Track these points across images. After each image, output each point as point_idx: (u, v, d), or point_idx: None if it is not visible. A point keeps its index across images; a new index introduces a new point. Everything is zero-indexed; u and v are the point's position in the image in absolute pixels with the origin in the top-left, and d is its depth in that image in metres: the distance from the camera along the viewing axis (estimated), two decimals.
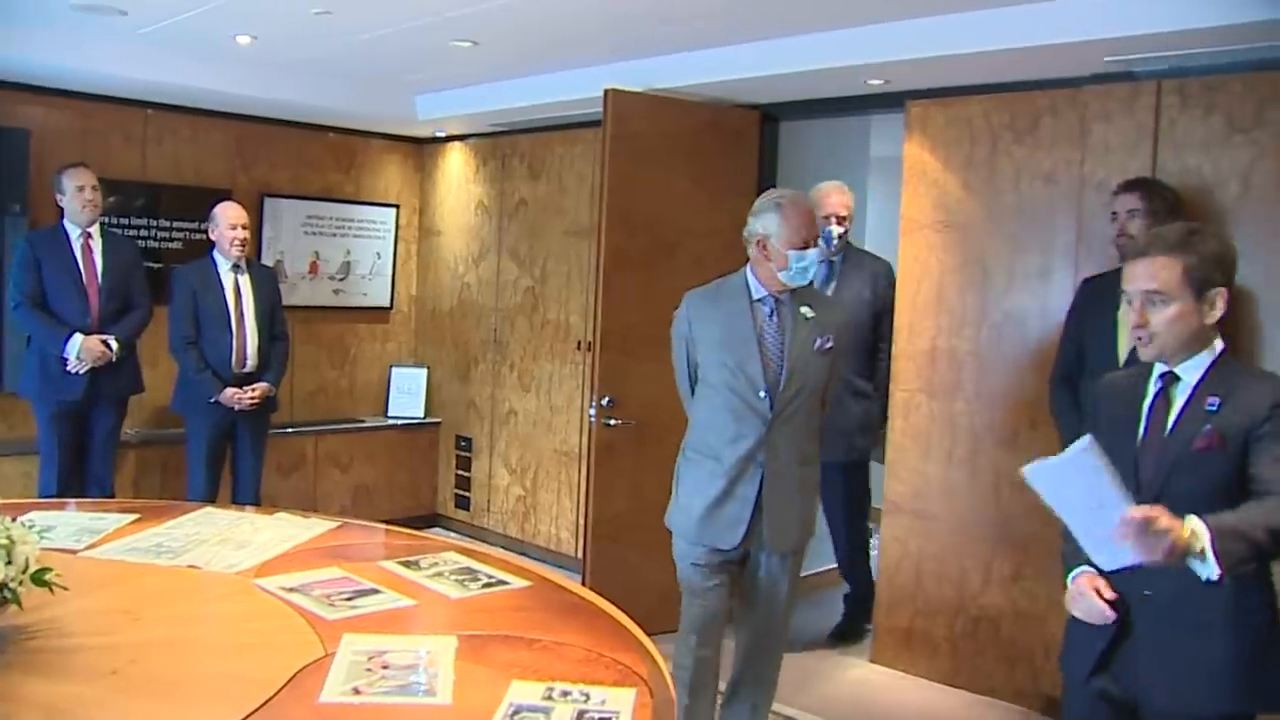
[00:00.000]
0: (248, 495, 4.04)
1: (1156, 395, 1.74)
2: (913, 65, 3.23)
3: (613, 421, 3.88)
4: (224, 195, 4.41)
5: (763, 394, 2.43)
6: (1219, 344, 1.75)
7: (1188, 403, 1.71)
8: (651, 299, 4.15)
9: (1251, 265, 2.78)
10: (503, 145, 5.01)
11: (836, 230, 3.68)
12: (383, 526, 2.58)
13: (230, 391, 3.91)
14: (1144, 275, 1.68)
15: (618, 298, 3.93)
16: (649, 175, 3.98)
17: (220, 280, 3.97)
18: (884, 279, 3.76)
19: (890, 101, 3.65)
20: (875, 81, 3.49)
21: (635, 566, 3.87)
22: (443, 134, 5.23)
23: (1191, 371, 1.72)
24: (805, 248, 2.40)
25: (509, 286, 4.97)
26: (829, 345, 2.47)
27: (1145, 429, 1.72)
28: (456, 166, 5.27)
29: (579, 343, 4.66)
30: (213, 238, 4.00)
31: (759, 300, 2.47)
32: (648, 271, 4.12)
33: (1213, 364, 1.72)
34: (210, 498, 3.92)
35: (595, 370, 3.87)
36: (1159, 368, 1.74)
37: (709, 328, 2.50)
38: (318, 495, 4.94)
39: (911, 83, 3.48)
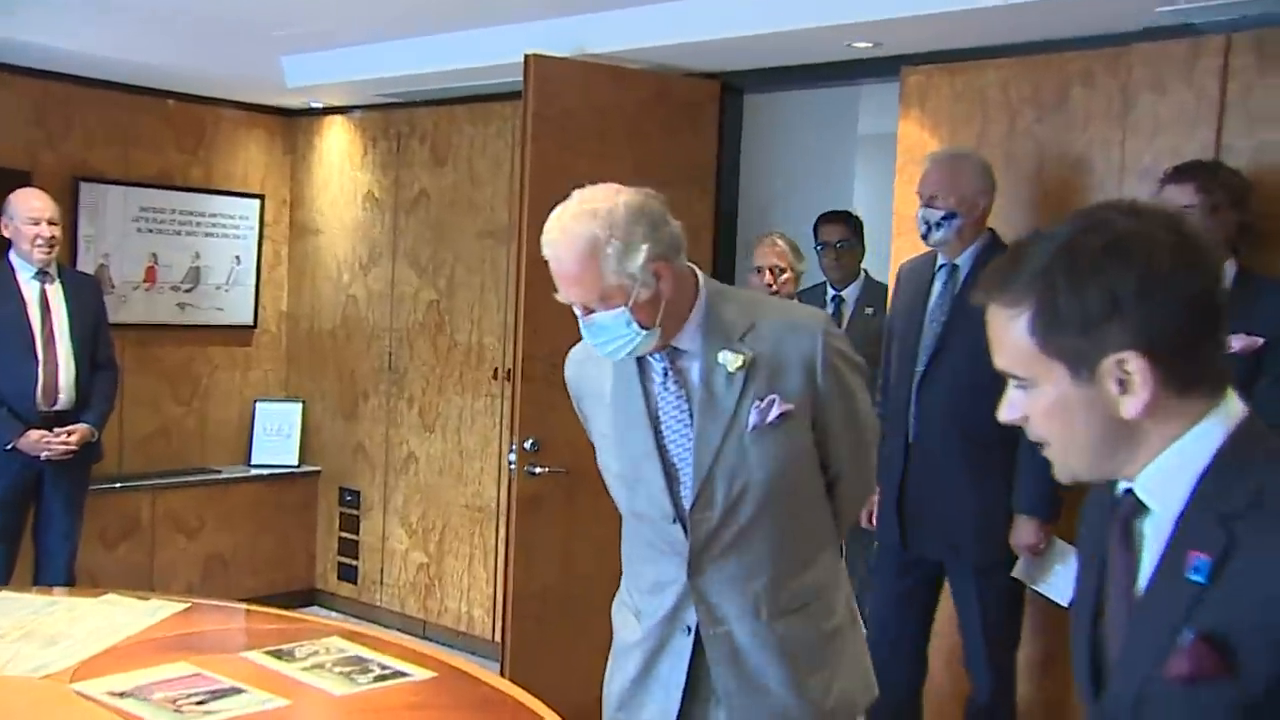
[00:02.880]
0: (58, 573, 3.93)
1: (1120, 533, 1.21)
2: (910, 23, 3.26)
3: (538, 470, 3.91)
4: (21, 179, 4.32)
5: (672, 519, 1.93)
6: (1215, 425, 1.15)
7: (1162, 561, 1.16)
8: None
9: None
10: (397, 121, 5.02)
11: (932, 214, 3.18)
12: (245, 607, 2.57)
13: (35, 435, 3.80)
14: (994, 344, 1.19)
15: (544, 315, 3.92)
16: (581, 162, 4.00)
17: (20, 291, 3.87)
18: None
19: (882, 69, 3.69)
20: (863, 44, 3.53)
21: (566, 652, 3.88)
22: (319, 105, 5.22)
23: (1162, 490, 1.16)
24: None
25: (407, 300, 4.98)
26: (781, 410, 1.89)
27: (1109, 589, 1.23)
28: (338, 147, 5.27)
29: (496, 371, 4.69)
30: (7, 235, 3.89)
31: (649, 358, 1.94)
32: None
33: (1208, 469, 1.13)
34: (3, 578, 3.81)
35: (516, 406, 3.90)
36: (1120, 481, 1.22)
37: (597, 409, 2.02)
38: (157, 570, 4.89)
39: (908, 45, 3.53)
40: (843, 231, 4.15)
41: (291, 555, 5.29)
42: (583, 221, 1.81)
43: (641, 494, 1.96)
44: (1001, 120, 3.45)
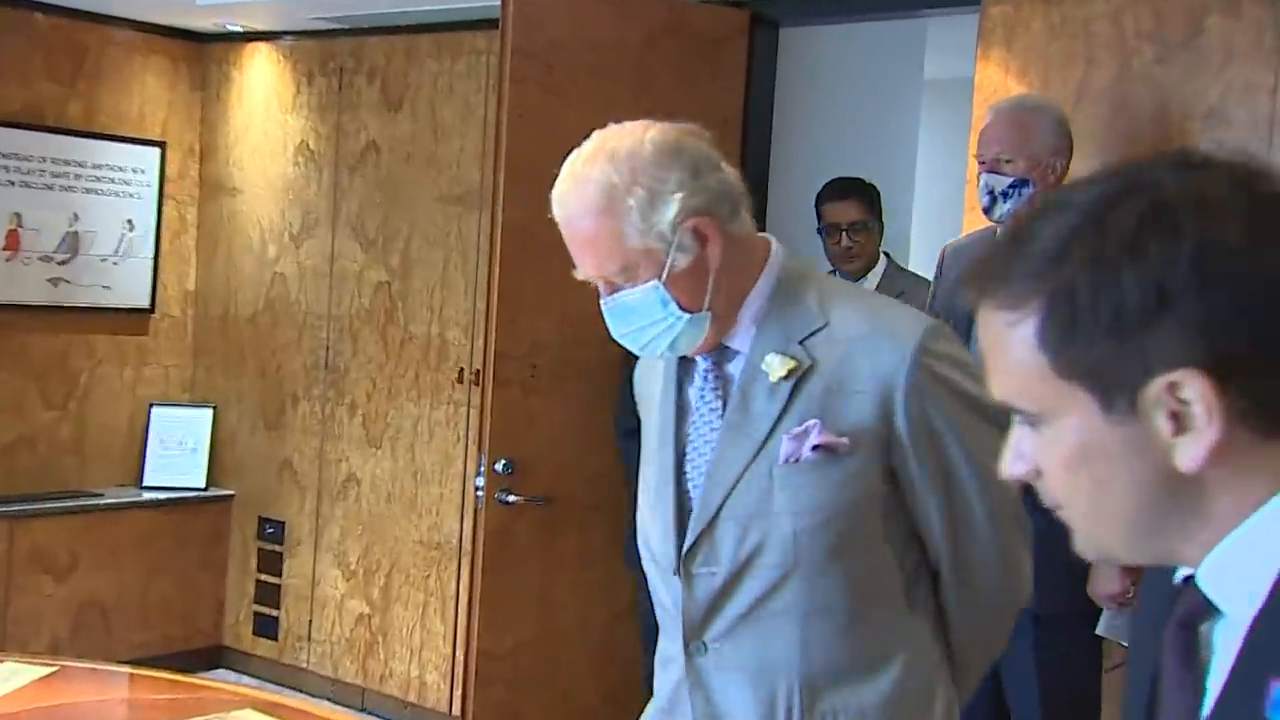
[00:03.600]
0: None
1: (1177, 641, 1.11)
2: None
3: (512, 498, 3.94)
4: None
5: (673, 569, 1.91)
6: None
7: (1229, 684, 1.04)
8: (574, 305, 4.16)
9: None
10: (339, 52, 5.06)
11: (997, 181, 3.24)
12: (129, 671, 2.57)
13: None
14: (989, 363, 1.08)
15: (521, 303, 3.99)
16: (572, 111, 4.02)
17: None
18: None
19: None
20: None
21: None
22: (237, 28, 5.25)
23: (1236, 583, 1.04)
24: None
25: (350, 281, 5.03)
26: (821, 441, 1.79)
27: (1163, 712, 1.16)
28: (262, 84, 5.31)
29: (461, 373, 4.72)
30: None
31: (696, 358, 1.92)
32: (566, 262, 4.13)
33: None
34: None
35: (486, 417, 3.93)
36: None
37: (648, 419, 2.03)
38: (13, 621, 4.88)
39: None
40: (857, 211, 4.03)
41: (193, 603, 5.31)
42: (597, 165, 1.77)
43: (656, 533, 1.93)
44: (1111, 62, 3.48)
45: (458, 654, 4.63)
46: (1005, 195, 3.17)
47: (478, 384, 4.49)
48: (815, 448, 1.78)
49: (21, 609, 4.89)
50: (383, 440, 4.92)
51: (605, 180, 1.75)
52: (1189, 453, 0.95)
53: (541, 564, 4.09)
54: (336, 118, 5.07)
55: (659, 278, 1.77)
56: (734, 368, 1.86)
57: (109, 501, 5.14)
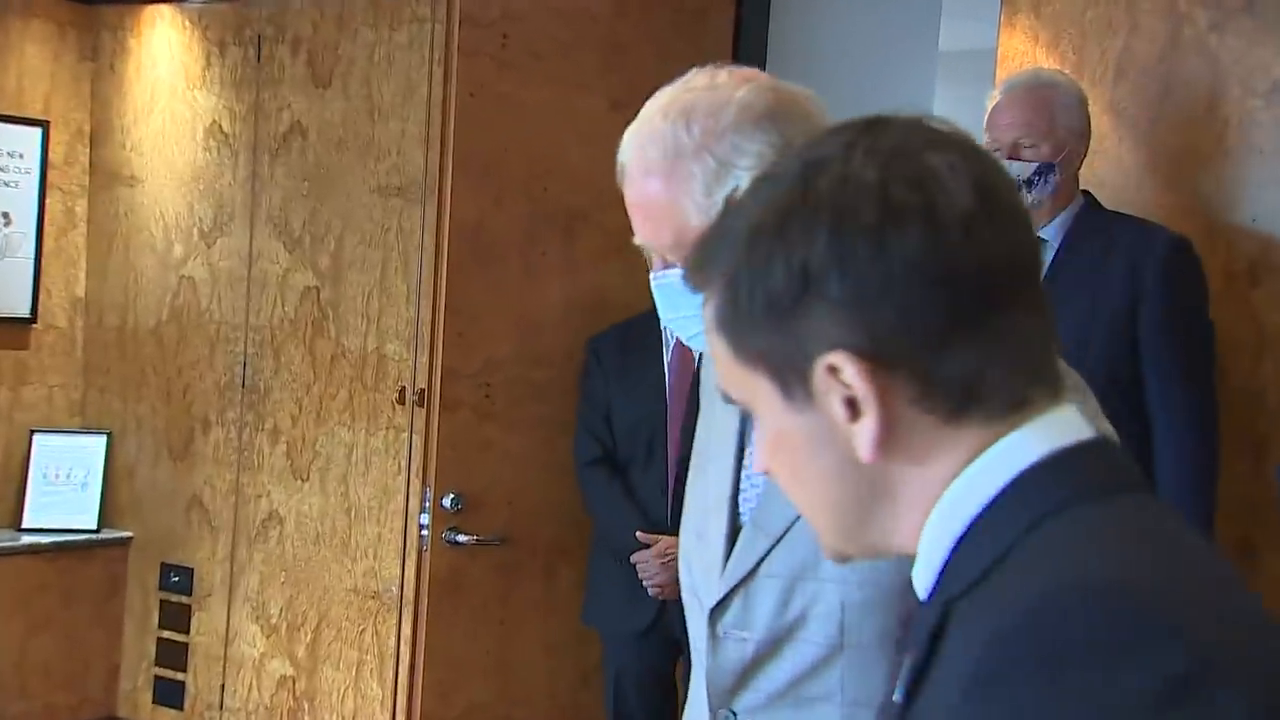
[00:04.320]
0: None
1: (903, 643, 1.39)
2: None
3: (462, 538, 4.18)
4: None
5: (703, 605, 1.95)
6: (999, 461, 1.15)
7: (895, 670, 1.30)
8: (534, 315, 4.38)
9: None
10: (257, 19, 5.18)
11: (1019, 169, 3.47)
12: None
13: None
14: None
15: (474, 313, 4.26)
16: (532, 88, 4.28)
17: None
18: (1152, 269, 3.54)
19: None
20: None
21: None
22: None
23: (922, 569, 1.21)
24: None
25: (272, 286, 5.13)
26: None
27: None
28: (166, 55, 5.46)
29: (403, 393, 4.79)
30: None
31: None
32: (526, 265, 4.36)
33: (966, 532, 1.16)
34: None
35: (432, 444, 4.16)
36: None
37: (708, 405, 2.09)
38: None
39: None
40: None
41: (82, 667, 5.41)
42: (670, 116, 1.80)
43: (698, 561, 1.94)
44: (1157, 30, 3.61)
45: None
46: (1030, 184, 3.38)
47: (422, 406, 4.56)
48: None
49: None
50: (310, 472, 4.99)
51: (672, 138, 1.78)
52: (859, 440, 1.12)
53: (498, 615, 4.30)
54: (254, 95, 5.17)
55: None
56: None
57: None
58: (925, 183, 1.11)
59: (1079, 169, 3.49)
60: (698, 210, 1.78)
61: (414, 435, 4.65)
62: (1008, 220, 1.14)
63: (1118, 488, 1.13)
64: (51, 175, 5.55)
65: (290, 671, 5.07)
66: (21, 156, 5.48)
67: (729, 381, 1.22)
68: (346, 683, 4.93)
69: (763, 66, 4.46)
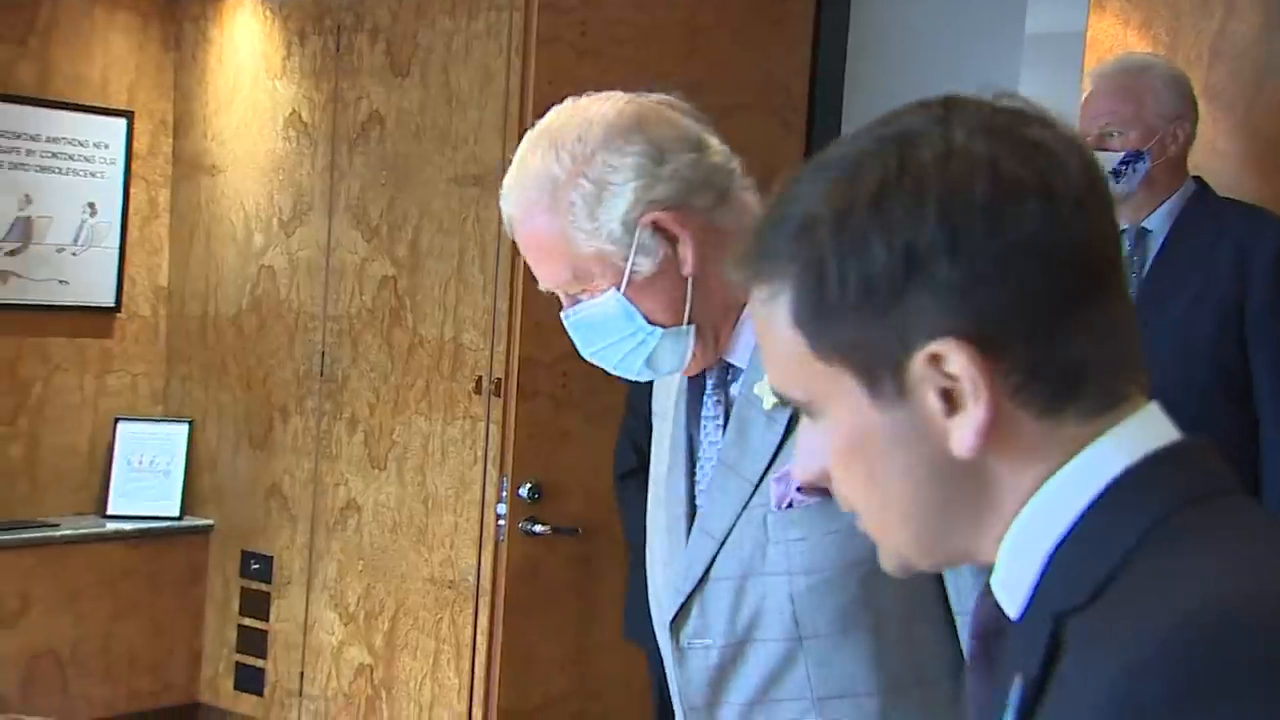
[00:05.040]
0: None
1: (978, 648, 1.22)
2: None
3: (539, 528, 4.15)
4: None
5: (668, 633, 1.94)
6: (1098, 461, 1.06)
7: (996, 694, 1.15)
8: None
9: None
10: (335, 8, 5.17)
11: (1105, 159, 3.31)
12: None
13: None
14: (764, 353, 1.17)
15: (550, 300, 4.04)
16: (611, 77, 4.13)
17: None
18: (1261, 258, 3.39)
19: None
20: None
21: None
22: None
23: (1010, 578, 1.12)
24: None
25: (350, 275, 5.13)
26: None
27: None
28: (247, 45, 5.47)
29: (479, 382, 4.77)
30: None
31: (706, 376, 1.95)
32: None
33: (1065, 538, 1.06)
34: None
35: (509, 433, 4.13)
36: None
37: (660, 433, 2.07)
38: None
39: None
40: None
41: (165, 653, 5.44)
42: (538, 152, 1.79)
43: (660, 584, 1.94)
44: (1254, 10, 3.53)
45: (475, 711, 4.70)
46: (1117, 174, 3.28)
47: (499, 395, 4.54)
48: (801, 489, 1.73)
49: None
50: (387, 461, 4.99)
51: (545, 171, 1.77)
52: (960, 434, 1.03)
53: (574, 605, 4.24)
54: (333, 85, 5.17)
55: (618, 286, 1.78)
56: (736, 389, 1.86)
57: (66, 533, 5.25)
58: (1036, 158, 1.04)
59: (1183, 154, 3.37)
60: (586, 237, 1.76)
61: (491, 425, 4.64)
62: (1107, 201, 1.08)
63: (1218, 490, 1.05)
64: (135, 165, 5.57)
65: (368, 660, 5.07)
66: (107, 147, 5.50)
67: (793, 381, 1.11)
68: (424, 671, 4.93)
69: (844, 50, 4.43)
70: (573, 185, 1.75)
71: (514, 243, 4.24)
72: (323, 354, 5.20)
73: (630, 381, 3.80)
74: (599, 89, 4.35)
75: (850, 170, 1.05)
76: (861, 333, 1.05)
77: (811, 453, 1.13)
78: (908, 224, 1.02)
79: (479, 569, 4.73)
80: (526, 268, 4.26)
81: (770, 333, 1.10)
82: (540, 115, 4.20)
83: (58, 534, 5.28)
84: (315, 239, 5.23)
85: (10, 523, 5.25)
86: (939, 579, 1.78)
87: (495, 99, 4.68)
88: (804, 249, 1.06)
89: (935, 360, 1.02)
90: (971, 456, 1.04)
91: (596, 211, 1.75)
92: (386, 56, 5.02)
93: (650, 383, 3.66)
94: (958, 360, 1.02)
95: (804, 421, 1.14)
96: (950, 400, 1.03)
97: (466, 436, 4.80)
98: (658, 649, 3.86)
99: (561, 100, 4.14)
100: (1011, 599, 1.08)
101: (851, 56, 4.45)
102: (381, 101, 5.04)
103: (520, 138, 4.23)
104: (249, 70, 5.46)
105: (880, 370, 1.05)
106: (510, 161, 4.52)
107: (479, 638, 4.68)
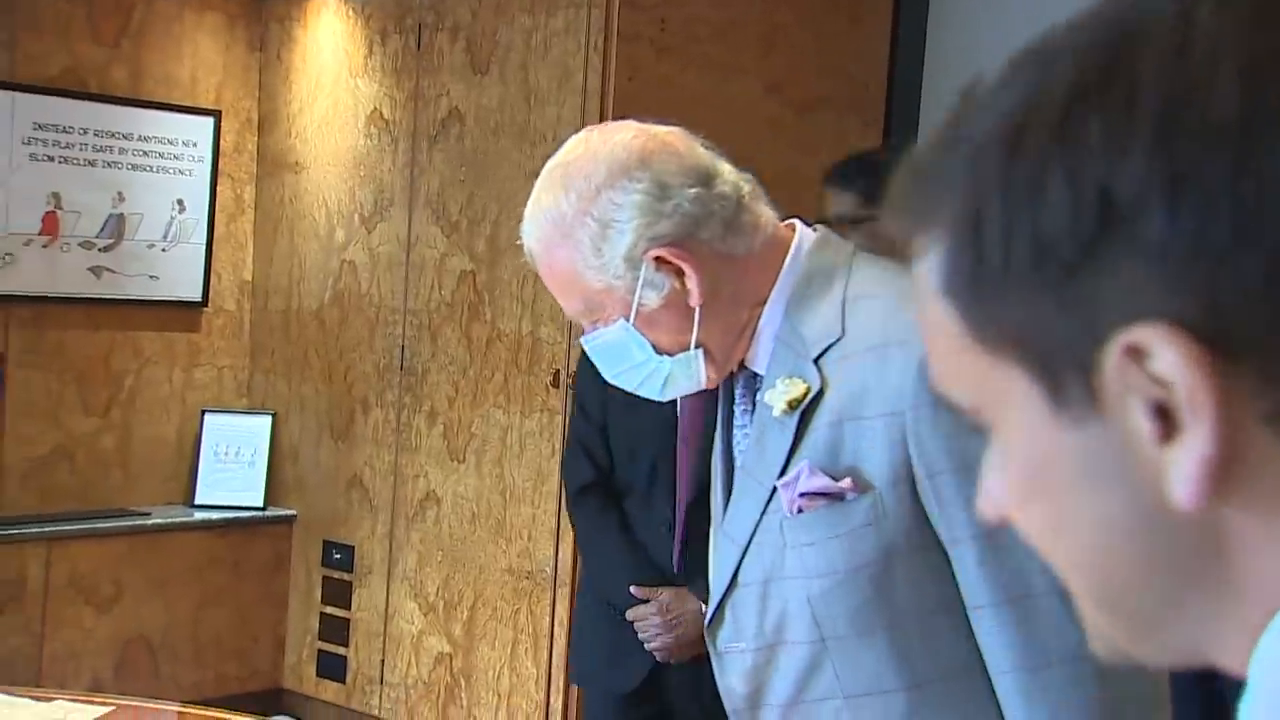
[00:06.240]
0: None
1: None
2: None
3: None
4: None
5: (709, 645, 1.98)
6: None
7: None
8: None
9: None
10: (416, 7, 5.18)
11: None
12: (192, 711, 2.75)
13: None
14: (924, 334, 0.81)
15: None
16: (691, 73, 4.20)
17: None
18: None
19: None
20: None
21: None
22: None
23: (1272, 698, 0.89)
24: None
25: (429, 270, 5.14)
26: (815, 489, 1.74)
27: None
28: (330, 44, 5.49)
29: (557, 375, 4.78)
30: None
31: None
32: None
33: None
34: None
35: None
36: None
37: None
38: (49, 658, 5.03)
39: None
40: (854, 203, 3.44)
41: (250, 640, 5.50)
42: (550, 190, 1.82)
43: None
44: None
45: (553, 700, 4.72)
46: None
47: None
48: (804, 494, 1.74)
49: (59, 645, 5.05)
50: (466, 453, 5.01)
51: (555, 209, 1.79)
52: (1179, 472, 0.65)
53: None
54: (414, 82, 5.18)
55: (626, 318, 1.79)
56: (760, 396, 1.85)
57: (157, 522, 5.32)
58: None
59: None
60: (594, 273, 1.77)
61: (567, 417, 4.59)
62: None
63: None
64: (222, 163, 5.61)
65: (447, 649, 5.09)
66: (195, 145, 5.54)
67: (954, 377, 0.76)
68: (502, 661, 4.95)
69: (921, 49, 4.37)
70: (580, 223, 1.77)
71: None
72: (402, 348, 5.22)
73: (582, 382, 3.59)
74: (678, 86, 4.37)
75: (1043, 69, 0.70)
76: (1034, 314, 0.69)
77: (991, 485, 0.78)
78: (1105, 155, 0.65)
79: (556, 560, 4.77)
80: None
81: (923, 307, 0.76)
82: (619, 112, 4.30)
83: (149, 523, 5.34)
84: (396, 234, 5.25)
85: (103, 511, 5.31)
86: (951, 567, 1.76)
87: (573, 95, 4.69)
88: (962, 197, 0.70)
89: (1135, 355, 0.65)
90: (1194, 507, 0.66)
91: (602, 248, 1.77)
92: (466, 54, 5.04)
93: (603, 383, 3.45)
94: (1167, 356, 0.64)
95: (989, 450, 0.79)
96: (1166, 418, 0.66)
97: (544, 429, 4.82)
98: (599, 695, 3.52)
99: (642, 96, 4.13)
100: None
101: (930, 53, 4.38)
102: (461, 98, 5.05)
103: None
104: (331, 69, 5.48)
105: (1063, 369, 0.68)
106: None
107: (556, 628, 4.71)
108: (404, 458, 5.21)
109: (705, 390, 3.45)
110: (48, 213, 5.21)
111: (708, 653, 1.94)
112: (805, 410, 1.76)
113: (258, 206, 5.72)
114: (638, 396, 3.20)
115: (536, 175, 5.19)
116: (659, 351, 1.81)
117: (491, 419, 4.95)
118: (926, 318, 0.75)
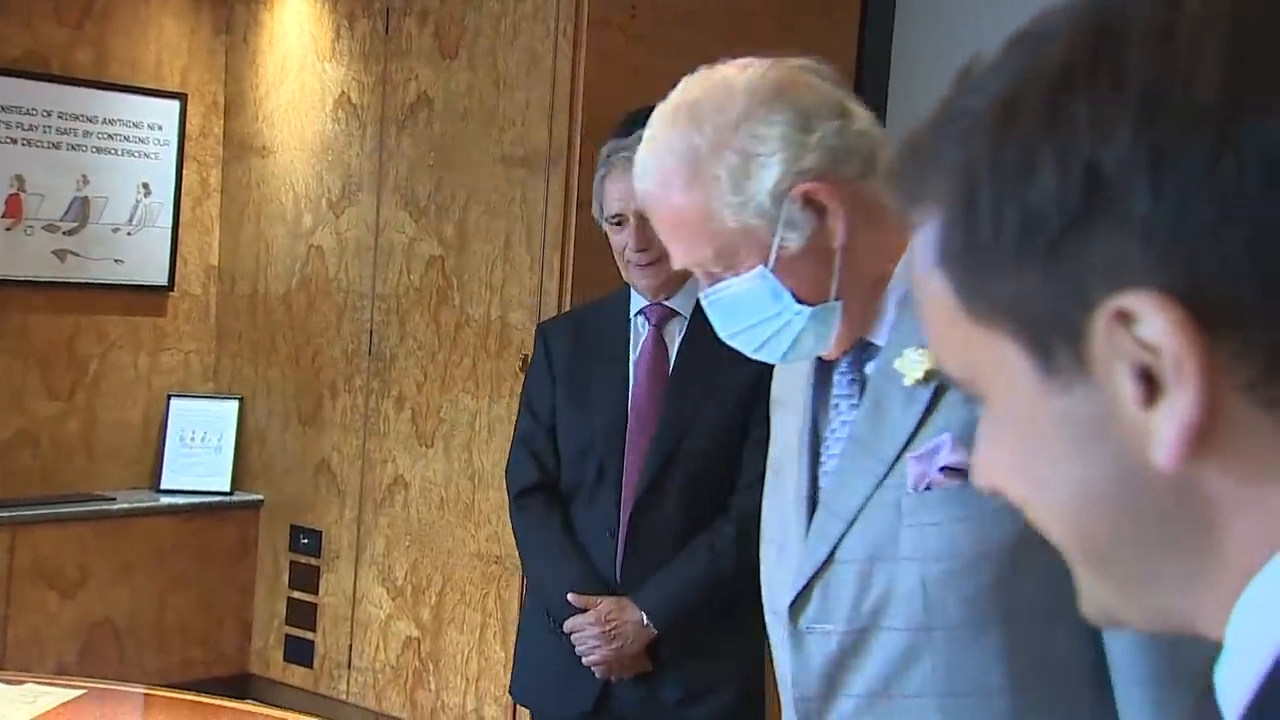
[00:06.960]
0: None
1: None
2: None
3: None
4: None
5: (785, 619, 1.88)
6: None
7: None
8: None
9: None
10: None
11: None
12: (144, 691, 2.69)
13: None
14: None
15: (598, 281, 4.06)
16: (659, 59, 4.15)
17: None
18: None
19: None
20: None
21: None
22: None
23: (1236, 669, 0.83)
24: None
25: (398, 255, 5.13)
26: (955, 463, 1.64)
27: None
28: (297, 28, 5.45)
29: (525, 360, 4.68)
30: None
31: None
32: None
33: None
34: None
35: None
36: None
37: (781, 419, 1.98)
38: (14, 642, 5.02)
39: None
40: None
41: (216, 625, 5.47)
42: (677, 125, 1.67)
43: (778, 576, 1.84)
44: None
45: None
46: None
47: None
48: (944, 469, 1.62)
49: (24, 630, 5.01)
50: (434, 438, 5.00)
51: (685, 145, 1.65)
52: (1161, 434, 0.68)
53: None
54: (382, 67, 5.15)
55: (765, 263, 1.66)
56: (871, 368, 1.74)
57: (122, 507, 5.28)
58: None
59: None
60: (732, 212, 1.63)
61: None
62: None
63: None
64: (188, 146, 5.59)
65: (415, 633, 5.10)
66: (160, 128, 5.51)
67: (948, 347, 0.78)
68: (470, 645, 4.96)
69: (889, 36, 4.35)
70: (717, 158, 1.63)
71: (565, 222, 4.28)
72: (371, 332, 5.22)
73: (531, 383, 3.46)
74: (647, 71, 4.32)
75: (1034, 51, 0.72)
76: (1021, 285, 0.71)
77: (982, 454, 0.80)
78: (1092, 135, 0.68)
79: None
80: (577, 249, 4.28)
81: (919, 279, 0.79)
82: (589, 97, 4.30)
83: (114, 508, 5.30)
84: (364, 219, 5.23)
85: (68, 496, 5.28)
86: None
87: (542, 81, 4.68)
88: (959, 164, 0.73)
89: (1124, 319, 0.68)
90: (1174, 469, 0.68)
91: (743, 184, 1.63)
92: (435, 39, 5.04)
93: (551, 383, 3.29)
94: (1156, 322, 0.67)
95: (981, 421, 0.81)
96: (1150, 383, 0.68)
97: (512, 414, 4.68)
98: (548, 713, 3.33)
99: (612, 80, 4.10)
100: (1230, 707, 0.70)
101: (898, 40, 4.36)
102: (430, 83, 5.05)
103: (569, 119, 4.27)
104: (299, 53, 5.45)
105: (1052, 338, 0.71)
106: (557, 143, 4.57)
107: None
108: (372, 442, 5.21)
109: (659, 387, 3.30)
110: (11, 195, 5.17)
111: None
112: (942, 384, 1.63)
113: (224, 190, 5.69)
114: (590, 396, 3.07)
115: (506, 160, 5.23)
116: (799, 301, 1.67)
117: (460, 404, 4.95)
118: (923, 292, 0.79)
